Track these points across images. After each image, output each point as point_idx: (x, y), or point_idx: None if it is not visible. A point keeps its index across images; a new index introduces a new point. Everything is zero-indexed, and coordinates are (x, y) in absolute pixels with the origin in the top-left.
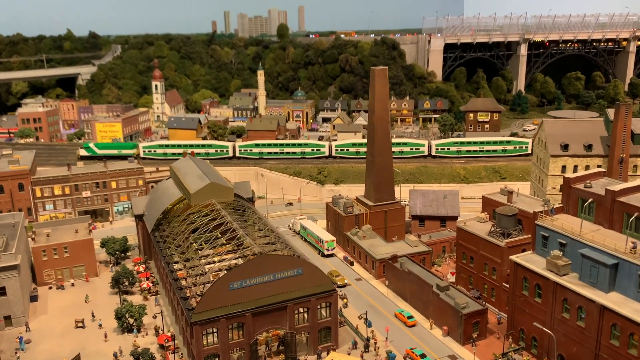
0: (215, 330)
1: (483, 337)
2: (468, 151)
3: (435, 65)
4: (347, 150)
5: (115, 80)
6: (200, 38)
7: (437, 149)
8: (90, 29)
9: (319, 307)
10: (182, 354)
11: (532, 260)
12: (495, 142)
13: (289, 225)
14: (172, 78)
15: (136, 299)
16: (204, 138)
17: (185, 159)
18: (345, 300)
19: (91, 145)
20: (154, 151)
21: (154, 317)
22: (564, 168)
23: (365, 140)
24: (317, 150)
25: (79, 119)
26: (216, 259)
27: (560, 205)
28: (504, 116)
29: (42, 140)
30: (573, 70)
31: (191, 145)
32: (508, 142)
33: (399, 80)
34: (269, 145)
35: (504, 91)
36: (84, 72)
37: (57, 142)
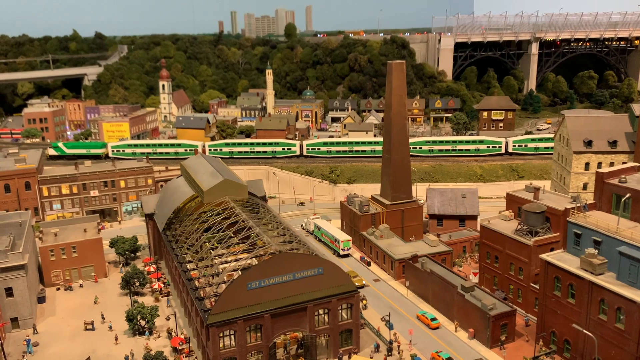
0: (232, 332)
1: (511, 340)
2: (440, 150)
3: (446, 65)
4: (318, 149)
5: (121, 80)
6: (207, 38)
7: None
8: (96, 29)
9: (339, 308)
10: (196, 357)
11: (564, 259)
12: (468, 142)
13: (302, 225)
14: (179, 78)
15: (147, 300)
16: (213, 138)
17: (197, 156)
18: (364, 302)
19: (60, 144)
20: (123, 151)
21: (167, 318)
22: (587, 165)
23: (339, 140)
24: (287, 149)
25: (86, 119)
26: (231, 258)
27: (592, 202)
28: (516, 116)
29: (49, 140)
30: (584, 69)
31: (160, 145)
32: (481, 142)
33: (409, 80)
34: (239, 144)
35: (515, 90)
36: (90, 73)
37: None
